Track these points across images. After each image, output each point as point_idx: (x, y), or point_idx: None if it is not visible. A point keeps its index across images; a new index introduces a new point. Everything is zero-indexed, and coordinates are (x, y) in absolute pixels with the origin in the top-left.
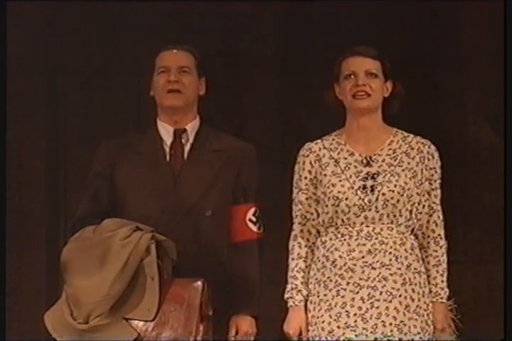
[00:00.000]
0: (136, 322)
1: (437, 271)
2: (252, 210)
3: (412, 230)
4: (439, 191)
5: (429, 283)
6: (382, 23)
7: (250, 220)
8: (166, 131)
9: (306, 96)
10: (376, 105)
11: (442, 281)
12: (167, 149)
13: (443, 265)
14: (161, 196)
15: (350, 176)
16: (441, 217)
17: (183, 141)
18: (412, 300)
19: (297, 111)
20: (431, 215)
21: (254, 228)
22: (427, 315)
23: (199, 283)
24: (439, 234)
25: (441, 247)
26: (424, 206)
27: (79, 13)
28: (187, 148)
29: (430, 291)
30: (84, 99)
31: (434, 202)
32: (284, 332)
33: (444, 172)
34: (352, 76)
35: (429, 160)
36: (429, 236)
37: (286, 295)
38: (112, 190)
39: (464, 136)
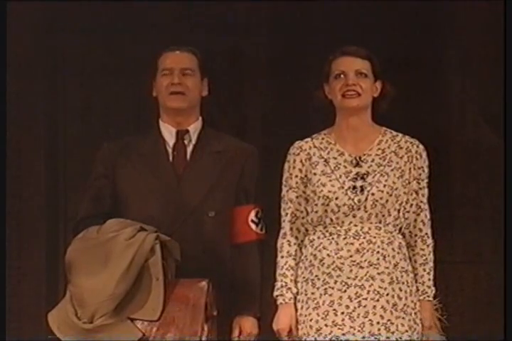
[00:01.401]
0: (140, 322)
1: (424, 270)
2: (254, 211)
3: (400, 229)
4: (426, 190)
5: (416, 281)
6: (381, 23)
7: (252, 221)
8: (168, 132)
9: (306, 97)
10: (365, 104)
11: (429, 280)
12: (169, 150)
13: (430, 263)
14: (164, 197)
15: (340, 176)
16: (428, 216)
17: (186, 142)
18: (400, 298)
19: (298, 112)
20: (418, 214)
21: (257, 229)
22: (415, 313)
23: (204, 283)
24: (426, 233)
25: (428, 246)
26: (412, 205)
27: (79, 13)
28: (189, 149)
29: (417, 290)
30: (84, 99)
31: (421, 201)
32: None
33: (444, 173)
34: (342, 75)
35: (417, 159)
36: (416, 235)
37: (276, 293)
38: (114, 191)
39: (464, 136)
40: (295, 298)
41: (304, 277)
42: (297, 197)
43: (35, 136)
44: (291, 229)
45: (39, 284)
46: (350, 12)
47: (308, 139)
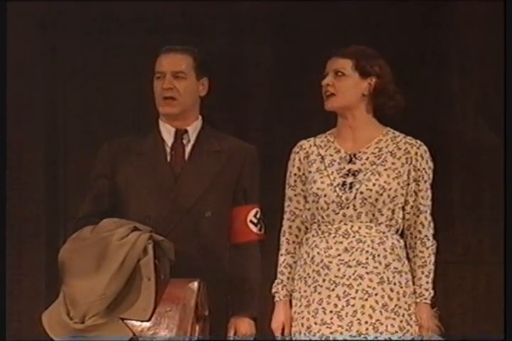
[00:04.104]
0: (131, 322)
1: (422, 272)
2: (253, 211)
3: (397, 230)
4: (428, 192)
5: (414, 283)
6: (383, 23)
7: (251, 221)
8: (167, 132)
9: (307, 97)
10: (345, 104)
11: (427, 282)
12: (168, 150)
13: (429, 266)
14: (160, 196)
15: (332, 173)
16: (428, 218)
17: (184, 141)
18: (391, 299)
19: (298, 112)
20: (418, 216)
21: (255, 229)
22: (408, 315)
23: (195, 283)
24: (426, 235)
25: (427, 248)
26: (412, 206)
27: (78, 13)
28: (188, 148)
29: (415, 292)
30: (84, 99)
31: (421, 203)
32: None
33: (444, 173)
34: (326, 76)
35: (417, 161)
36: (416, 237)
37: (273, 290)
38: (114, 190)
39: (464, 136)
40: (290, 295)
41: (299, 275)
42: (295, 195)
43: (35, 136)
44: (290, 227)
45: (39, 284)
46: (350, 13)
47: (311, 138)
